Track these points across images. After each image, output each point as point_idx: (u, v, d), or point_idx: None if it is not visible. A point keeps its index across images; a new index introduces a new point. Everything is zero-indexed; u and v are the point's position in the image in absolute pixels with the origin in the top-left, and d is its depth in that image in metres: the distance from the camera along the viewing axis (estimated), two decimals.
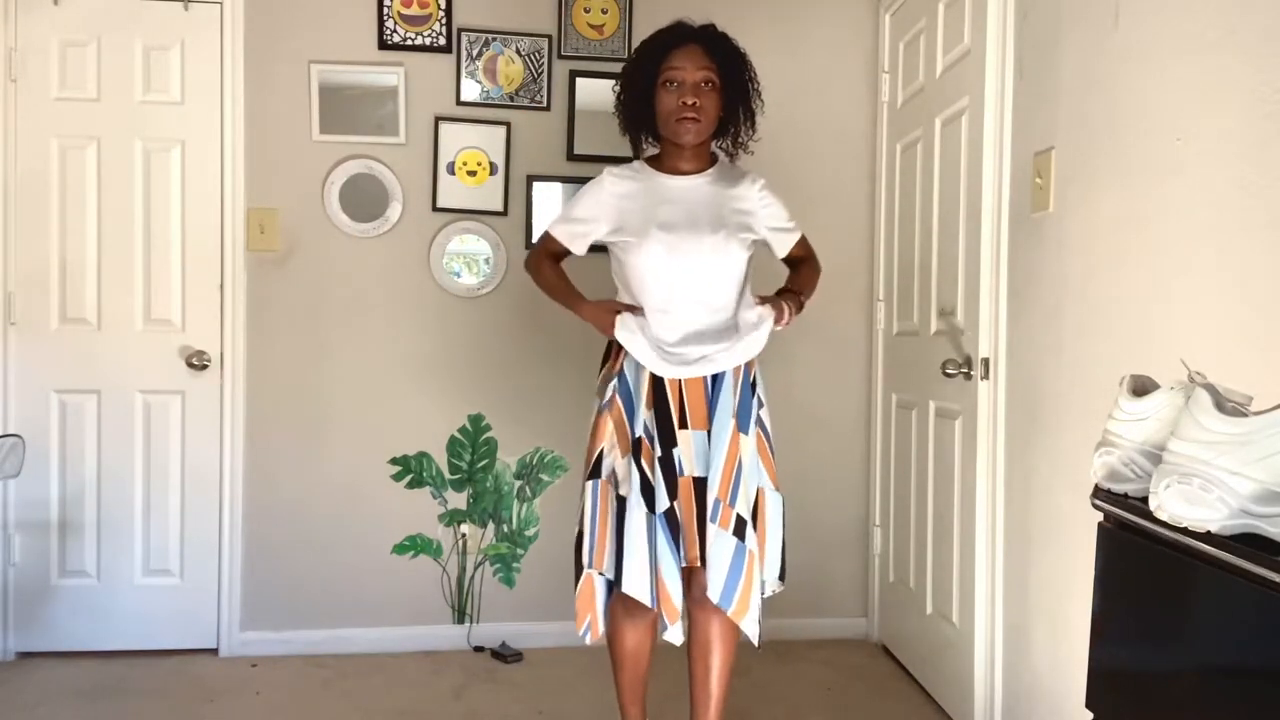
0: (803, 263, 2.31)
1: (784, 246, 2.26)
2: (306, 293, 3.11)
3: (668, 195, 2.14)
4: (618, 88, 2.20)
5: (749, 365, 2.13)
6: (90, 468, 3.04)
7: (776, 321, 2.11)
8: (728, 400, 2.06)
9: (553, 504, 3.20)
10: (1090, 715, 1.32)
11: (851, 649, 3.25)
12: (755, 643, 2.07)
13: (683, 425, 2.06)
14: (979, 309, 2.46)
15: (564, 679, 2.92)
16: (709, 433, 2.05)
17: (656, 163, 2.20)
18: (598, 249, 2.23)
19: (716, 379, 2.08)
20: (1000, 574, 2.41)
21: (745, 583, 2.02)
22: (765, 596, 2.11)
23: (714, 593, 2.01)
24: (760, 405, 2.16)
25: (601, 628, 2.11)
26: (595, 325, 2.13)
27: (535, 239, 3.11)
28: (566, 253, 2.23)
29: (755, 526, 2.06)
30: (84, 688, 2.80)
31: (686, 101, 2.04)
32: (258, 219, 3.08)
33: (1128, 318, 1.88)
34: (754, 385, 2.14)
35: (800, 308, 2.19)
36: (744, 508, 2.03)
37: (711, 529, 2.01)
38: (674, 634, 2.06)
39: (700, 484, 2.05)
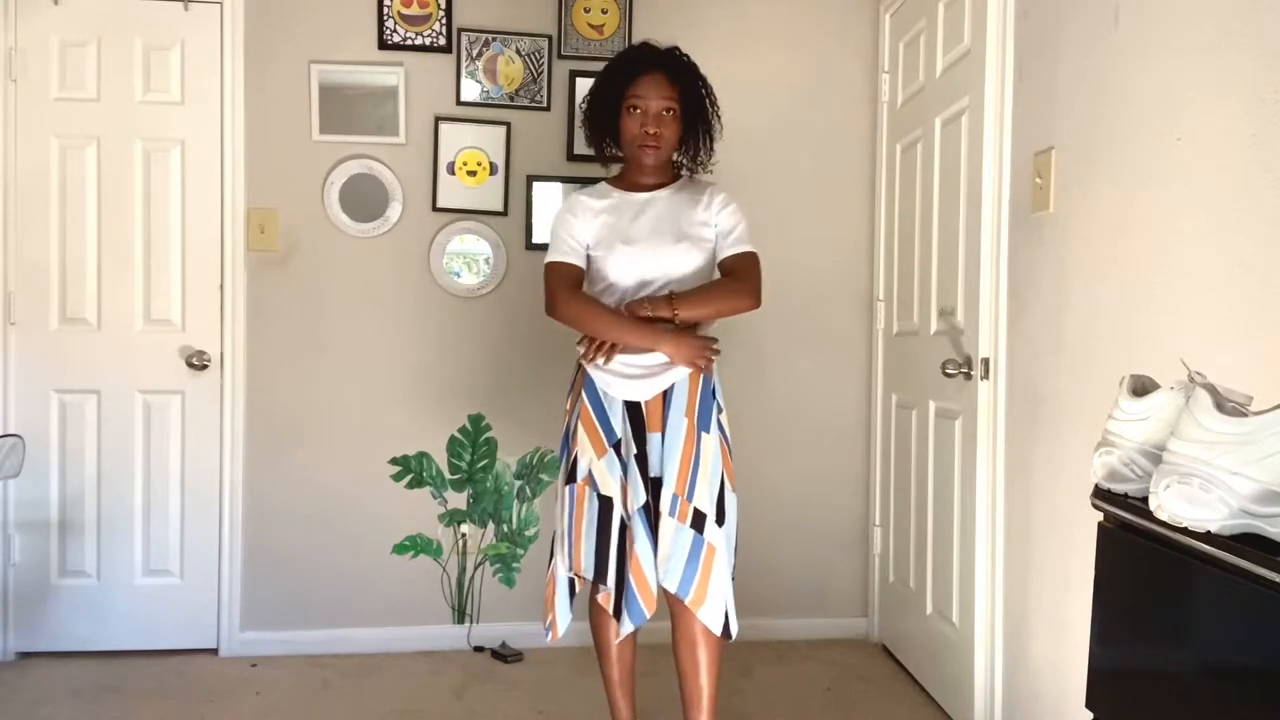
0: (728, 275, 2.18)
1: (722, 252, 2.20)
2: (306, 293, 3.11)
3: (632, 210, 2.21)
4: (584, 104, 2.27)
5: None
6: (90, 468, 3.04)
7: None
8: (681, 401, 2.10)
9: (552, 504, 3.18)
10: (1090, 715, 1.32)
11: (851, 649, 3.25)
12: (717, 631, 2.08)
13: (649, 428, 2.13)
14: (979, 309, 2.46)
15: (564, 679, 2.92)
16: (663, 434, 2.10)
17: (620, 181, 2.28)
18: None
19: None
20: (1000, 574, 2.41)
21: (703, 573, 2.06)
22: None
23: (671, 583, 2.05)
24: (719, 410, 2.18)
25: (561, 628, 2.18)
26: (685, 360, 2.09)
27: (534, 239, 3.14)
28: (580, 276, 2.20)
29: (720, 522, 2.09)
30: (84, 688, 2.80)
31: (649, 130, 2.14)
32: (258, 219, 3.08)
33: (1128, 318, 1.88)
34: (714, 391, 2.17)
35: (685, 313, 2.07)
36: (703, 503, 2.07)
37: (670, 523, 2.05)
38: (627, 624, 2.07)
39: (657, 483, 2.09)
